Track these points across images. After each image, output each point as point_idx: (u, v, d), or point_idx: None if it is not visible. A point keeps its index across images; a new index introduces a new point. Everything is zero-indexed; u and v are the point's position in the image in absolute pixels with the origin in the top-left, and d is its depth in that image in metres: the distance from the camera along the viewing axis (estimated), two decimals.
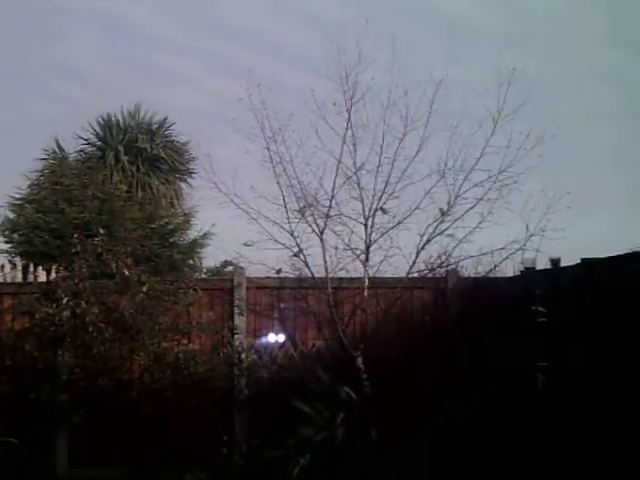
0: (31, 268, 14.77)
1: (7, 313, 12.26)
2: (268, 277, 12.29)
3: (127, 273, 11.80)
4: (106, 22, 25.82)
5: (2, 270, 15.56)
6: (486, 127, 11.61)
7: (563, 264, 10.15)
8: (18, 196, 18.25)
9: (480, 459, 8.37)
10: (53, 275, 13.10)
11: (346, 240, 11.96)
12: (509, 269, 11.83)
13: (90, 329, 11.35)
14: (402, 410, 10.58)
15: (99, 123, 21.53)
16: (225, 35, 24.94)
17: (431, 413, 9.70)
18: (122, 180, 19.70)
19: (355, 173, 11.91)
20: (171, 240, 17.90)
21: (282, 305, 12.37)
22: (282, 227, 11.92)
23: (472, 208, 11.75)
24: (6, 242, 17.59)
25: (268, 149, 11.98)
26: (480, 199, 11.70)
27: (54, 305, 11.56)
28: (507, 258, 11.67)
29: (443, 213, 11.78)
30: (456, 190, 11.79)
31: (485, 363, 9.55)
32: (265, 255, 11.90)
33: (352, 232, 11.96)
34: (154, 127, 21.76)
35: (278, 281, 12.35)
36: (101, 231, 12.60)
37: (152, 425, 11.52)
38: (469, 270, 12.17)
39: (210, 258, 17.87)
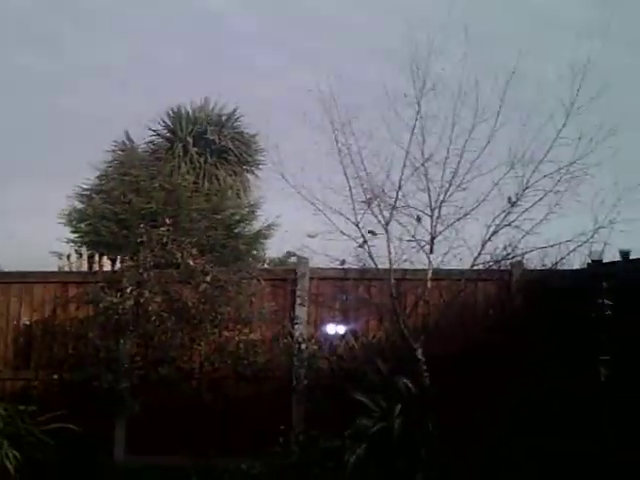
0: (96, 258, 14.88)
1: (72, 302, 12.34)
2: (332, 268, 12.20)
3: (192, 263, 11.82)
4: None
5: (68, 259, 15.72)
6: (557, 118, 11.40)
7: (633, 257, 9.90)
8: (86, 187, 18.42)
9: (540, 452, 8.19)
10: (118, 265, 13.18)
11: (411, 231, 11.84)
12: (576, 262, 11.62)
13: (152, 318, 11.43)
14: (461, 403, 10.43)
15: (169, 115, 21.66)
16: (292, 25, 24.75)
17: (491, 406, 9.51)
18: (190, 171, 19.82)
19: (423, 164, 11.76)
20: (236, 231, 17.99)
21: (344, 296, 12.23)
22: (348, 218, 11.83)
23: (541, 200, 11.54)
24: (73, 232, 17.80)
25: (336, 140, 11.91)
26: (549, 191, 11.49)
27: (118, 294, 11.61)
28: (574, 250, 11.44)
29: (512, 204, 11.59)
30: (525, 181, 11.57)
31: (549, 357, 9.35)
32: (329, 246, 11.81)
33: (418, 222, 11.81)
34: (223, 119, 21.80)
35: (342, 272, 12.22)
36: (167, 221, 12.64)
37: (211, 414, 11.50)
38: (535, 262, 11.98)
39: (274, 249, 17.89)
